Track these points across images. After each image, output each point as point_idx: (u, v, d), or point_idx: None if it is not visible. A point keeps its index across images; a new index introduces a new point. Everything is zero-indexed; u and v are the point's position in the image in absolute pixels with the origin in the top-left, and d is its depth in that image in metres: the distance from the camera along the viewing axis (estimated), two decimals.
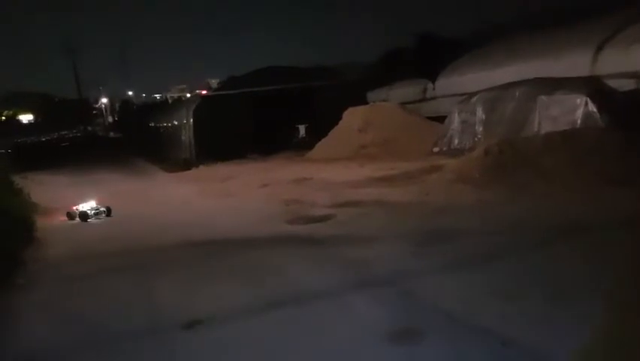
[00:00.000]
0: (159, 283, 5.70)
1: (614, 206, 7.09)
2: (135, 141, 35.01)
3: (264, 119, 20.71)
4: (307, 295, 4.84)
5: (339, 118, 18.86)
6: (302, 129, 22.60)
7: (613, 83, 11.97)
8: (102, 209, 10.35)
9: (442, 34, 29.69)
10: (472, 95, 14.42)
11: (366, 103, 21.13)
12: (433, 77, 20.94)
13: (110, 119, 77.95)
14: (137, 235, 8.36)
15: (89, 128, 72.62)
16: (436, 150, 14.50)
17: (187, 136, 22.07)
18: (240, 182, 13.55)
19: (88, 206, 10.38)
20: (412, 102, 20.64)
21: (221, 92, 24.35)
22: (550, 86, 11.98)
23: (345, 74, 26.01)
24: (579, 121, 10.76)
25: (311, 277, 5.42)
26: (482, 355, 3.43)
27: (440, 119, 15.77)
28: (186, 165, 19.75)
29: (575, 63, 13.62)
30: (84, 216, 10.10)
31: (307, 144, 19.57)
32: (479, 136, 13.40)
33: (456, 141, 14.20)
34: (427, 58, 24.09)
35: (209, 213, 9.98)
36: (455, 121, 14.42)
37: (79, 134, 64.48)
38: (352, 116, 18.32)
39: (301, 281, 5.30)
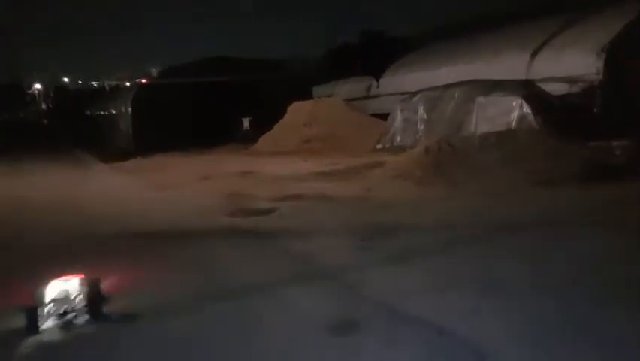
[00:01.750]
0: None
1: (545, 205, 7.44)
2: (70, 130, 33.66)
3: (206, 110, 20.37)
4: (247, 288, 4.79)
5: (284, 112, 18.83)
6: (246, 122, 22.40)
7: (547, 87, 12.52)
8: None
9: (389, 34, 30.20)
10: (414, 94, 14.73)
11: (312, 98, 21.19)
12: (378, 75, 21.25)
13: (44, 106, 74.61)
14: (69, 227, 8.01)
15: (21, 115, 69.23)
16: (379, 146, 14.72)
17: (125, 126, 21.44)
18: (181, 174, 13.28)
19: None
20: (357, 99, 20.89)
21: (161, 82, 23.78)
22: (488, 88, 12.40)
23: (291, 68, 26.00)
24: (514, 122, 11.19)
25: (251, 270, 5.38)
26: (419, 344, 3.51)
27: (384, 116, 16.02)
28: (124, 156, 19.17)
29: (512, 66, 14.17)
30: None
31: (251, 137, 19.43)
32: (420, 134, 13.70)
33: (398, 139, 14.46)
34: (373, 56, 24.45)
35: (147, 205, 9.72)
36: (398, 119, 14.68)
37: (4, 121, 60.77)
38: (297, 111, 18.33)
39: (241, 274, 5.25)
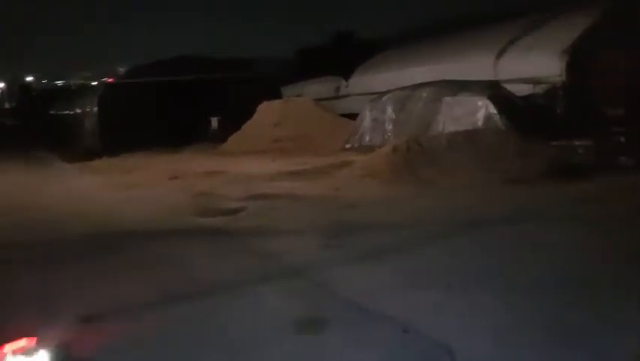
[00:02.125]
0: (54, 276, 5.35)
1: (511, 202, 7.58)
2: (35, 129, 32.81)
3: (175, 110, 20.10)
4: (214, 288, 4.75)
5: (253, 111, 18.73)
6: (214, 122, 22.17)
7: (512, 87, 12.77)
8: None
9: (358, 34, 30.36)
10: (383, 94, 14.84)
11: (281, 98, 21.13)
12: (347, 75, 21.34)
13: (7, 105, 72.59)
14: (31, 228, 7.80)
15: None
16: (347, 146, 14.78)
17: (92, 125, 20.99)
18: (148, 174, 13.08)
19: None
20: (327, 99, 20.93)
21: (128, 81, 23.36)
22: (455, 88, 12.59)
23: (261, 68, 25.87)
24: (480, 122, 11.39)
25: (219, 269, 5.33)
26: (385, 341, 3.53)
27: (353, 116, 16.09)
28: (90, 156, 18.75)
29: (479, 67, 14.40)
30: None
31: (220, 137, 19.25)
32: (389, 134, 13.81)
33: (367, 138, 14.54)
34: (343, 56, 24.53)
35: (114, 205, 9.52)
36: (366, 119, 14.77)
37: None
38: (266, 110, 18.26)
39: (209, 274, 5.19)
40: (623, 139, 10.89)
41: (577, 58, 12.64)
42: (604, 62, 12.37)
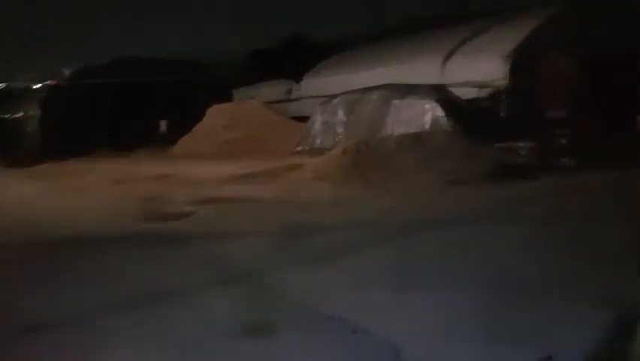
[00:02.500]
0: None
1: (456, 204, 7.76)
2: None
3: (122, 112, 19.62)
4: (160, 294, 4.65)
5: (204, 114, 18.49)
6: (163, 125, 21.75)
7: (458, 91, 13.08)
8: None
9: (310, 37, 30.38)
10: (333, 97, 14.93)
11: (232, 100, 20.95)
12: (299, 78, 21.35)
13: None
14: None
15: None
16: (299, 149, 14.78)
17: (33, 129, 20.21)
18: (93, 178, 12.68)
19: None
20: (278, 102, 20.87)
21: (73, 82, 22.62)
22: (403, 92, 12.80)
23: (211, 70, 25.53)
24: (428, 125, 11.61)
25: (166, 276, 5.22)
26: (333, 343, 3.54)
27: (305, 119, 16.12)
28: (32, 161, 18.04)
29: (426, 71, 14.68)
30: None
31: (169, 140, 18.91)
32: (340, 137, 13.89)
33: (318, 141, 14.58)
34: (295, 58, 24.52)
35: (56, 211, 9.19)
36: (317, 122, 14.82)
37: None
38: (217, 113, 18.07)
39: (155, 280, 5.08)
40: (564, 141, 11.33)
41: (520, 62, 13.05)
42: (547, 66, 12.83)
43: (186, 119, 18.49)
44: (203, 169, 12.83)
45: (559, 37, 13.17)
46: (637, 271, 4.44)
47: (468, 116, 11.91)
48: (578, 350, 3.17)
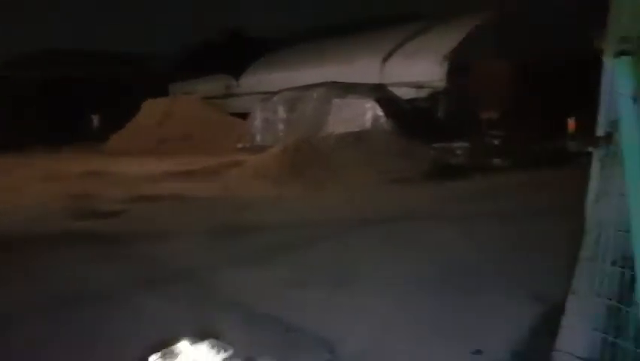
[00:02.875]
0: None
1: (396, 202, 7.85)
2: None
3: (52, 107, 18.73)
4: (93, 296, 4.42)
5: (138, 109, 17.94)
6: (96, 119, 20.95)
7: (398, 91, 13.28)
8: None
9: (249, 32, 30.05)
10: (274, 94, 14.83)
11: (169, 95, 20.44)
12: (238, 74, 21.07)
13: None
14: None
15: None
16: (239, 146, 14.60)
17: None
18: (22, 176, 12.02)
19: None
20: (217, 97, 20.53)
21: None
22: (344, 90, 12.88)
23: (147, 64, 24.81)
24: (368, 124, 11.72)
25: (99, 277, 4.97)
26: (268, 342, 3.47)
27: (245, 115, 15.92)
28: None
29: (366, 70, 14.84)
30: None
31: (103, 136, 18.22)
32: (281, 134, 13.81)
33: (259, 138, 14.46)
34: (234, 53, 24.15)
35: None
36: (258, 118, 14.69)
37: None
38: (152, 109, 17.58)
39: (87, 282, 4.82)
40: (497, 142, 11.73)
41: (457, 64, 13.40)
42: (483, 69, 13.23)
43: (120, 114, 17.87)
44: (137, 166, 12.44)
45: (495, 42, 13.61)
46: (564, 267, 4.59)
47: (407, 116, 12.11)
48: (506, 344, 3.25)
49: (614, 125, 2.19)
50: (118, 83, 20.64)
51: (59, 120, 18.84)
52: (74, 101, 19.35)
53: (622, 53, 2.01)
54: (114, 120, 18.04)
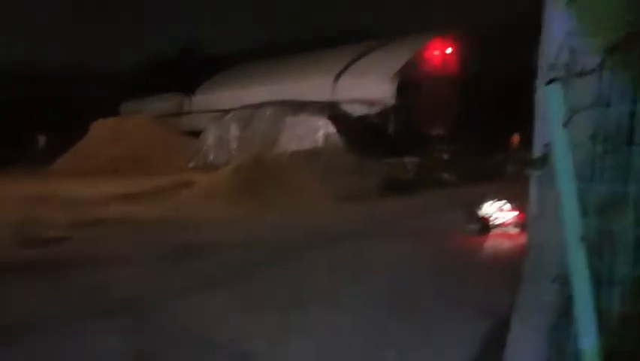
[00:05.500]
0: None
1: (348, 219, 7.87)
2: None
3: None
4: (35, 328, 4.22)
5: (87, 129, 17.49)
6: (42, 140, 20.28)
7: (349, 108, 13.42)
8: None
9: (202, 51, 29.80)
10: (226, 112, 14.74)
11: (119, 114, 20.03)
12: (190, 92, 20.86)
13: None
14: None
15: None
16: (191, 164, 14.42)
17: None
18: None
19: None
20: (168, 116, 20.25)
21: None
22: (297, 108, 12.94)
23: (97, 82, 24.24)
24: (320, 141, 11.78)
25: (40, 307, 4.76)
26: None
27: (197, 134, 15.74)
28: None
29: (319, 88, 14.94)
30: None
31: (49, 156, 17.63)
32: (234, 152, 13.71)
33: (211, 157, 14.31)
34: (185, 71, 23.91)
35: None
36: (210, 137, 14.56)
37: None
38: (101, 129, 17.18)
39: (28, 313, 4.61)
40: (446, 157, 11.98)
41: (406, 81, 13.66)
42: (431, 86, 13.53)
43: (68, 134, 17.37)
44: (86, 188, 12.06)
45: (446, 58, 13.95)
46: (510, 282, 4.69)
47: (358, 132, 12.24)
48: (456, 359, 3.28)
49: (548, 147, 2.25)
50: (69, 103, 20.11)
51: (6, 142, 18.16)
52: (22, 122, 18.73)
53: (551, 81, 2.05)
54: (63, 141, 17.52)
